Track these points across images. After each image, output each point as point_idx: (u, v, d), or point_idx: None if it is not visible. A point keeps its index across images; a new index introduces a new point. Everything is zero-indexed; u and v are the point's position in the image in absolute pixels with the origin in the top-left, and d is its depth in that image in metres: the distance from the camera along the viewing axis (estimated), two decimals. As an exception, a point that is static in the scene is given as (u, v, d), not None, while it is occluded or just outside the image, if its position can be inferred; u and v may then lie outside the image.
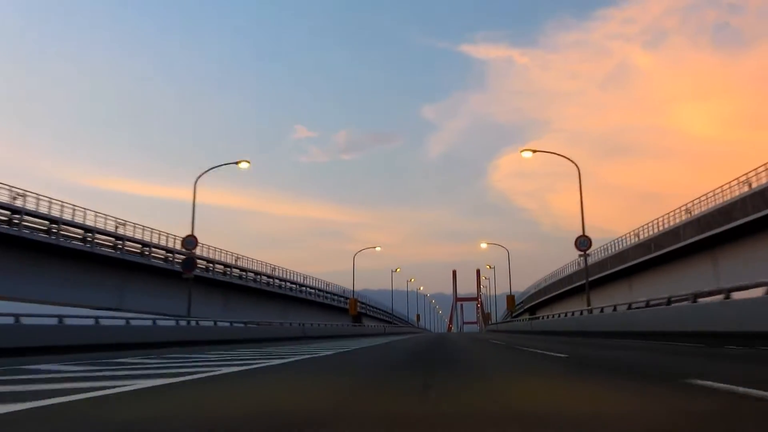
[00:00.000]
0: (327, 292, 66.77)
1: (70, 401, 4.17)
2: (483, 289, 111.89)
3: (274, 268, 53.29)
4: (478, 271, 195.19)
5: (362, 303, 75.06)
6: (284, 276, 55.40)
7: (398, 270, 79.59)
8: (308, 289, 60.86)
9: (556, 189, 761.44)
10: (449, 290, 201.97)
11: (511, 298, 51.90)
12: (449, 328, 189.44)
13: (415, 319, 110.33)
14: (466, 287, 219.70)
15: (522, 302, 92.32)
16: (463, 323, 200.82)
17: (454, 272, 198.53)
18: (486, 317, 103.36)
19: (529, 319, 50.51)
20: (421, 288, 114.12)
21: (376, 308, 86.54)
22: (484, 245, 54.39)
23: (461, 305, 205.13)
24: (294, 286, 56.99)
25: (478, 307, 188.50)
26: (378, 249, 56.09)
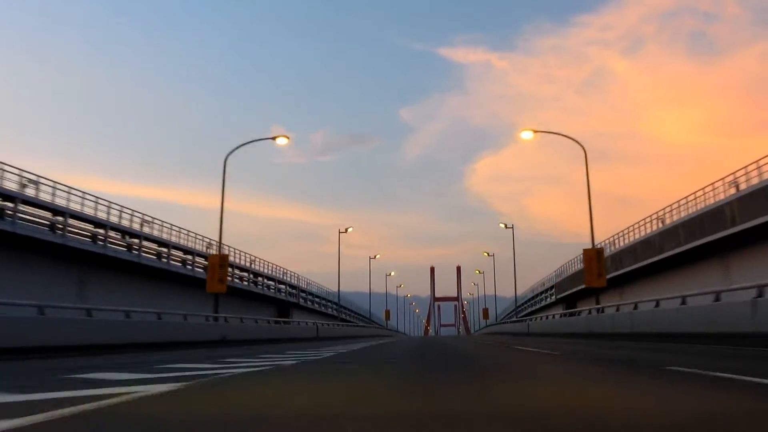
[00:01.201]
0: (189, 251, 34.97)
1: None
2: (479, 277, 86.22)
3: (85, 201, 24.99)
4: (458, 268, 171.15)
5: (280, 282, 46.78)
6: (116, 222, 26.99)
7: (349, 230, 52.53)
8: (173, 251, 32.48)
9: (532, 193, 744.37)
10: (426, 293, 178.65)
11: (597, 252, 23.67)
12: (426, 331, 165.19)
13: (383, 317, 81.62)
14: (444, 291, 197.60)
15: (534, 297, 68.08)
16: (440, 326, 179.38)
17: (432, 269, 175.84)
18: (483, 313, 77.46)
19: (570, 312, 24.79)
20: (392, 273, 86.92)
21: (318, 297, 58.60)
22: (526, 135, 27.45)
23: (438, 306, 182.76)
24: (136, 241, 28.52)
25: (463, 310, 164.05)
26: (285, 141, 26.46)
